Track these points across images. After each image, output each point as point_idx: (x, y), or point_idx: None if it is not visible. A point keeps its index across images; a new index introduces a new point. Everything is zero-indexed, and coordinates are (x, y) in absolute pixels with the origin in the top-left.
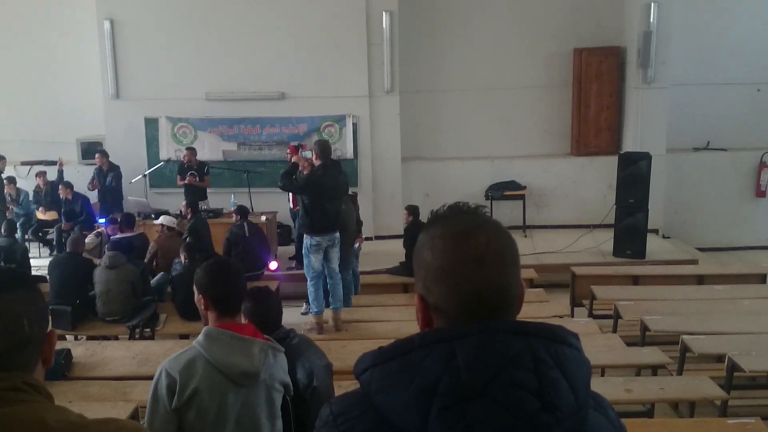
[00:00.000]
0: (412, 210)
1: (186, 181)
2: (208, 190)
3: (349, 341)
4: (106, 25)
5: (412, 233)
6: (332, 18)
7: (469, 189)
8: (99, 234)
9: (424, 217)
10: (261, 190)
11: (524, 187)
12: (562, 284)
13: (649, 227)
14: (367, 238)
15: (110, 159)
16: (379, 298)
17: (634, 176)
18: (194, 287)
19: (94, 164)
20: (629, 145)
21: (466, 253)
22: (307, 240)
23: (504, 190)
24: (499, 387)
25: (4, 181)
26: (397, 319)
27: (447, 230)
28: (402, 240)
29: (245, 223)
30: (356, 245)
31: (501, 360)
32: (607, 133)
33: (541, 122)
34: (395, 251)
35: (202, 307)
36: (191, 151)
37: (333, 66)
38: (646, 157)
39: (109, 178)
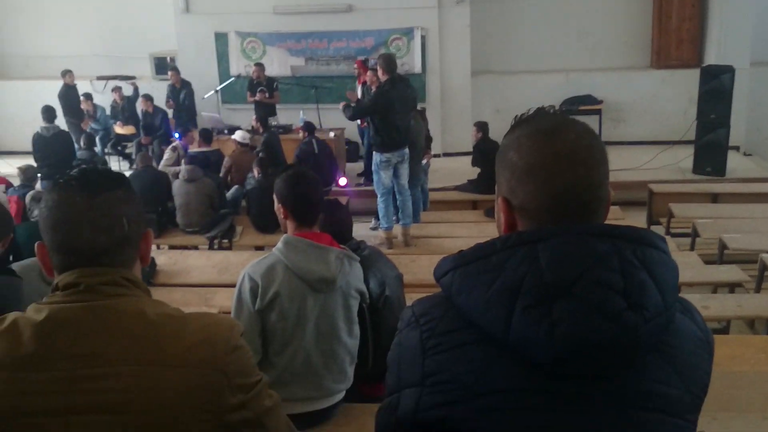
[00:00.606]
0: (482, 126)
1: (256, 98)
2: (277, 106)
3: (418, 256)
4: None
5: (481, 150)
6: None
7: (542, 103)
8: (175, 148)
9: (493, 134)
10: (329, 106)
11: (600, 102)
12: (638, 202)
13: (730, 144)
14: (435, 155)
15: (182, 75)
16: (448, 214)
17: (716, 91)
18: (274, 196)
19: (167, 80)
20: (712, 57)
21: (555, 149)
22: (376, 156)
23: (579, 105)
24: (584, 286)
25: (81, 97)
26: (466, 236)
27: (533, 128)
28: (471, 157)
29: (313, 140)
30: (425, 161)
31: (586, 260)
32: (688, 45)
33: (620, 33)
34: (464, 169)
35: (281, 215)
36: (260, 66)
37: None
38: (729, 70)
39: (182, 95)
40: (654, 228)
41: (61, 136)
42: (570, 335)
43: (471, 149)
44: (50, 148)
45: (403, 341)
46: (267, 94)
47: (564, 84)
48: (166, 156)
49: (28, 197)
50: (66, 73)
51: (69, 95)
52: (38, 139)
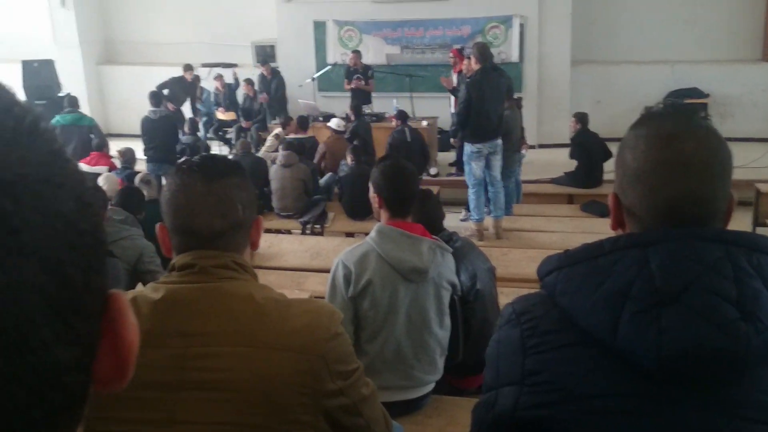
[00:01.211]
0: (581, 118)
1: (352, 85)
2: (371, 94)
3: (510, 249)
4: None
5: (579, 143)
6: None
7: (645, 95)
8: (277, 135)
9: (593, 125)
10: (422, 95)
11: (707, 95)
12: (744, 202)
13: None
14: (530, 146)
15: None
16: (542, 208)
17: None
18: (369, 185)
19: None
20: None
21: (669, 157)
22: (467, 147)
23: (684, 98)
24: (695, 293)
25: (198, 87)
26: (561, 231)
27: (653, 131)
28: (569, 150)
29: (406, 128)
30: (522, 152)
31: (697, 266)
32: None
33: (729, 23)
34: (560, 161)
35: (376, 204)
36: (356, 54)
37: None
38: None
39: (273, 85)
40: (760, 230)
41: (166, 119)
42: (678, 343)
43: (568, 141)
44: (156, 132)
45: (503, 338)
46: (363, 82)
47: (669, 76)
48: (267, 143)
49: (137, 179)
50: (188, 68)
51: (180, 85)
52: (146, 122)
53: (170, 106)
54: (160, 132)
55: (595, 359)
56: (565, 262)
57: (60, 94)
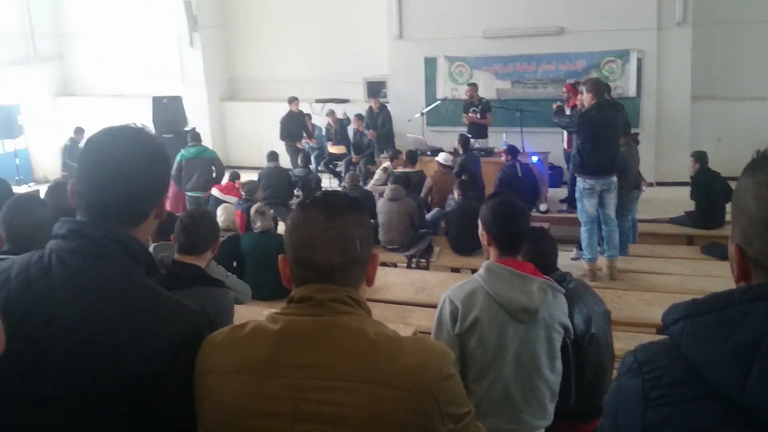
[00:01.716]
0: (699, 157)
1: (468, 119)
2: (489, 128)
3: (625, 291)
4: None
5: (699, 183)
6: None
7: None
8: (386, 169)
9: (714, 163)
10: (534, 130)
11: None
12: None
13: None
14: (647, 184)
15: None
16: (659, 248)
17: None
18: (479, 221)
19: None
20: None
21: None
22: (580, 183)
23: None
24: None
25: (305, 117)
26: (680, 273)
27: None
28: (689, 190)
29: (517, 163)
30: (643, 189)
31: None
32: None
33: None
34: (679, 199)
35: (485, 242)
36: (473, 87)
37: None
38: None
39: (380, 119)
40: None
41: (281, 171)
42: None
43: (688, 179)
44: (271, 179)
45: (623, 387)
46: (478, 115)
47: None
48: (376, 176)
49: (252, 210)
50: (293, 100)
51: (291, 121)
52: (264, 171)
53: (299, 144)
54: (275, 181)
55: (721, 415)
56: (692, 311)
57: (186, 128)
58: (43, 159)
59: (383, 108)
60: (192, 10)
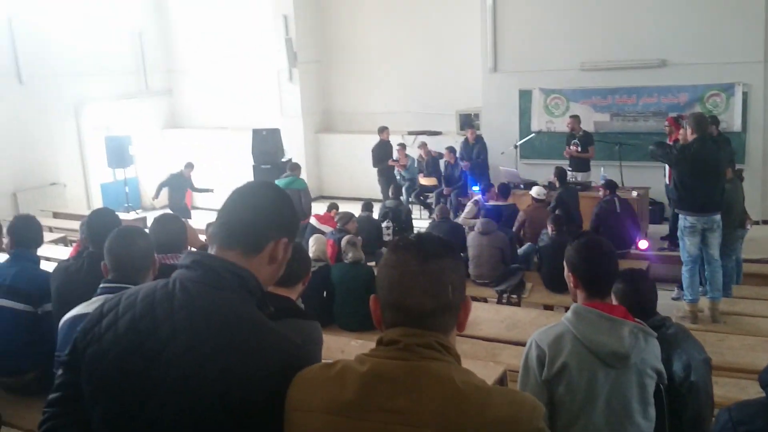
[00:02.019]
0: None
1: (569, 152)
2: (591, 162)
3: (727, 335)
4: (488, 1)
5: None
6: None
7: None
8: (477, 202)
9: None
10: (633, 164)
11: None
12: None
13: None
14: (753, 222)
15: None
16: (765, 290)
17: None
18: (564, 263)
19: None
20: None
21: None
22: (681, 220)
23: None
24: None
25: (397, 147)
26: None
27: None
28: None
29: (615, 198)
30: (748, 227)
31: None
32: None
33: None
34: None
35: (572, 284)
36: (575, 119)
37: (721, 29)
38: None
39: (475, 150)
40: None
41: (371, 220)
42: None
43: None
44: (362, 228)
45: None
46: (579, 148)
47: None
48: (467, 209)
49: (344, 241)
50: (383, 129)
51: (382, 149)
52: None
53: (390, 162)
54: (365, 232)
55: None
56: None
57: (283, 159)
58: (150, 187)
59: (479, 139)
60: (293, 47)
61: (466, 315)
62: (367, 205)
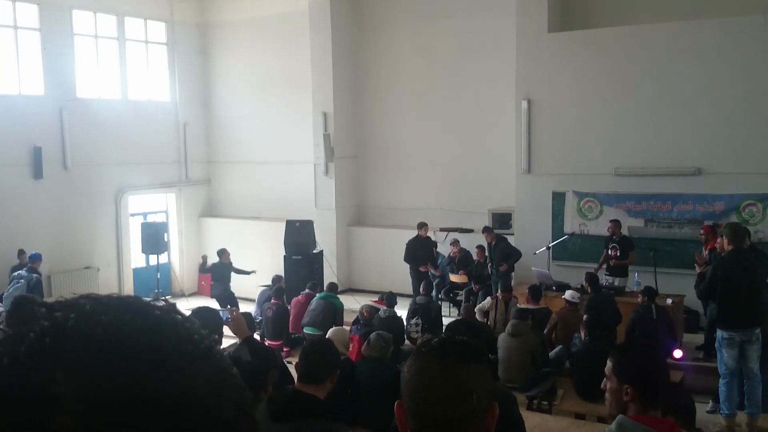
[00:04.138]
0: None
1: (606, 255)
2: (630, 268)
3: None
4: (524, 105)
5: None
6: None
7: None
8: (496, 297)
9: None
10: (668, 271)
11: None
12: None
13: None
14: None
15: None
16: None
17: None
18: (611, 373)
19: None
20: None
21: None
22: (718, 332)
23: None
24: None
25: (432, 244)
26: None
27: None
28: None
29: (653, 305)
30: None
31: None
32: None
33: None
34: None
35: (627, 396)
36: (615, 223)
37: (757, 138)
38: None
39: (497, 251)
40: None
41: (393, 320)
42: None
43: None
44: (383, 328)
45: None
46: (617, 252)
47: None
48: (486, 300)
49: (372, 336)
50: (422, 225)
51: (417, 245)
52: (377, 319)
53: (422, 268)
54: (385, 326)
55: None
56: None
57: (314, 251)
58: (181, 274)
59: (501, 240)
60: (330, 142)
61: (492, 421)
62: (390, 299)
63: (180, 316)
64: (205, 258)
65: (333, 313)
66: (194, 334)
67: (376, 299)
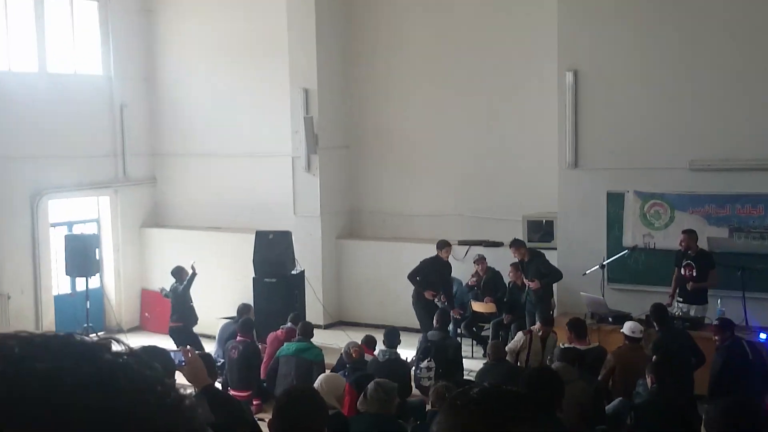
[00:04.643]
0: None
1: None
2: (710, 292)
3: None
4: (569, 77)
5: None
6: None
7: None
8: (530, 330)
9: None
10: (761, 296)
11: None
12: None
13: None
14: None
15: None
16: None
17: None
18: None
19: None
20: None
21: None
22: None
23: None
24: None
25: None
26: None
27: None
28: None
29: (744, 342)
30: None
31: None
32: None
33: None
34: None
35: None
36: (689, 234)
37: None
38: None
39: (532, 268)
40: None
41: (394, 363)
42: None
43: None
44: (381, 375)
45: None
46: (693, 272)
47: None
48: (517, 336)
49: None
50: (444, 245)
51: (434, 267)
52: (373, 364)
53: (428, 294)
54: (384, 372)
55: None
56: None
57: (293, 272)
58: (118, 302)
59: (536, 255)
60: (313, 128)
61: None
62: (391, 337)
63: (137, 361)
64: (163, 290)
65: (308, 372)
66: (157, 385)
67: (360, 343)
